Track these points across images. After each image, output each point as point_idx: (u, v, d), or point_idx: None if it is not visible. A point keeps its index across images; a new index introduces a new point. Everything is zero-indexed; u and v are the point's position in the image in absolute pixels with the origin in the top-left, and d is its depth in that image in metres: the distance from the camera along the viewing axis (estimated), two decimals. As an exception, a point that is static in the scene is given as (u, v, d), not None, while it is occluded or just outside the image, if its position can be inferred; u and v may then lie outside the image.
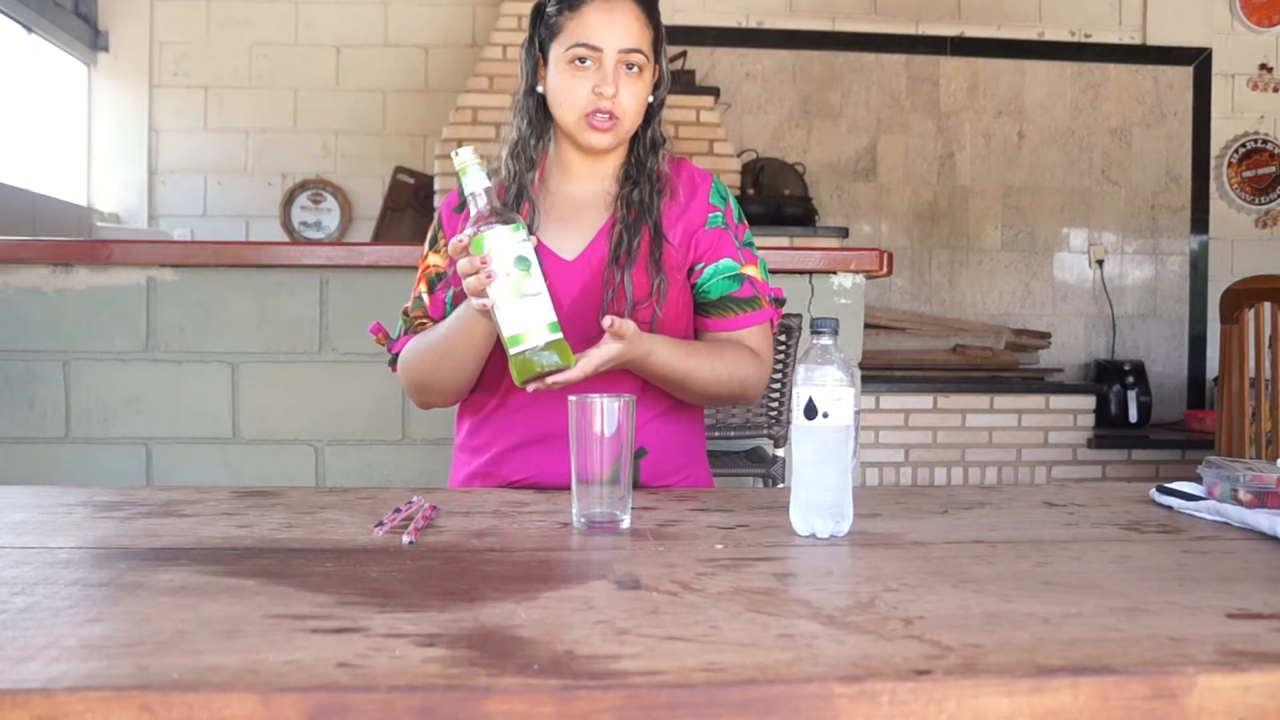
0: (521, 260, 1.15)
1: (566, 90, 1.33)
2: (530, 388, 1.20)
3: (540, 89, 1.38)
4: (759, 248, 1.47)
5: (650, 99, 1.39)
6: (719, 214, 1.42)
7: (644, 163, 1.40)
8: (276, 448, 2.34)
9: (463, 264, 1.18)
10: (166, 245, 2.68)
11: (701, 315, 1.42)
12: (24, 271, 2.30)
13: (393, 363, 1.46)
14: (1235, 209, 5.30)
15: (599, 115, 1.31)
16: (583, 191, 1.41)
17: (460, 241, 1.18)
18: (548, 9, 1.35)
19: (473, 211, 1.18)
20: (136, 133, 5.01)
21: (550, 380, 1.19)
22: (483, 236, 1.16)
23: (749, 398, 1.42)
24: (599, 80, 1.30)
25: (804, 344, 2.12)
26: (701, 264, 1.40)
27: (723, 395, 1.39)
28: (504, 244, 1.15)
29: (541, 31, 1.36)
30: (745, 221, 1.47)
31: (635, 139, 1.41)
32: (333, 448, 2.36)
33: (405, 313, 1.44)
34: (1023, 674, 0.62)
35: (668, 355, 1.29)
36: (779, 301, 1.46)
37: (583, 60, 1.31)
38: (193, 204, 5.06)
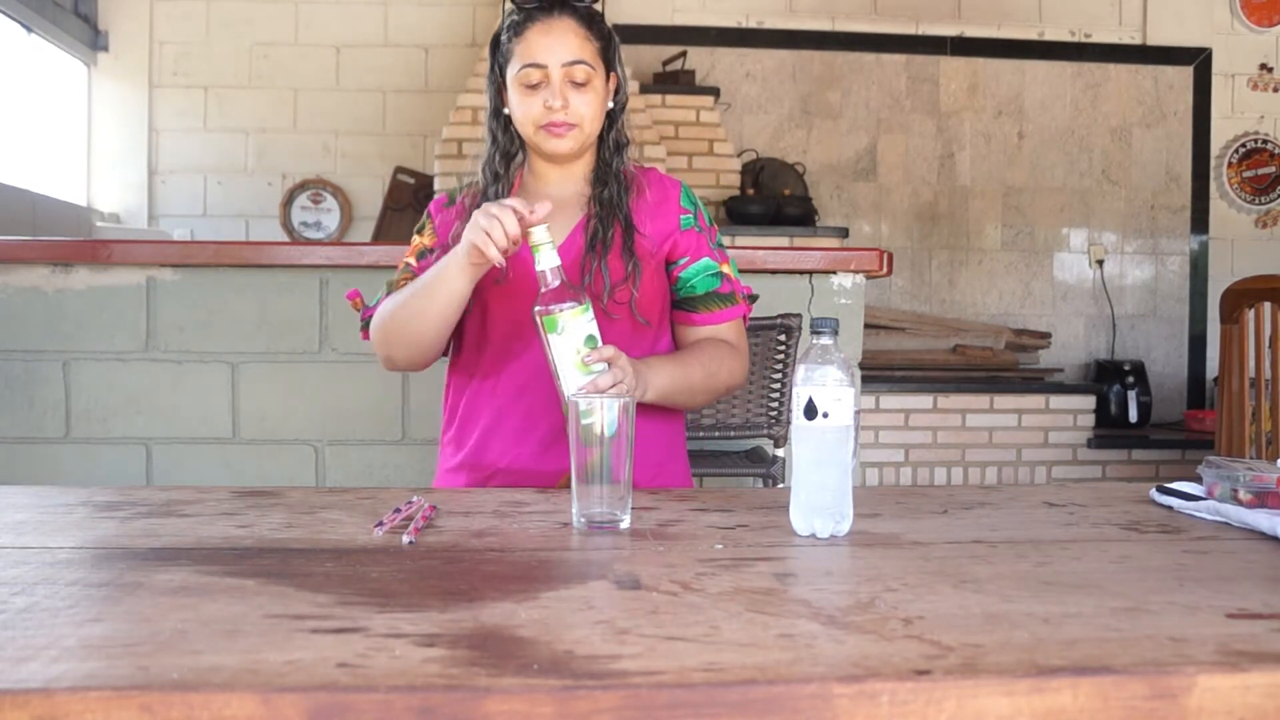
0: (590, 339, 1.24)
1: (522, 108, 1.42)
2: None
3: (506, 110, 1.47)
4: (746, 248, 1.55)
5: (610, 104, 1.47)
6: (690, 216, 1.50)
7: (610, 164, 1.49)
8: (276, 448, 2.34)
9: (494, 230, 1.23)
10: (166, 245, 2.67)
11: (688, 311, 1.50)
12: (24, 271, 2.30)
13: (365, 328, 1.52)
14: (1235, 209, 5.30)
15: (553, 125, 1.41)
16: (557, 193, 1.48)
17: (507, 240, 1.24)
18: (501, 38, 1.45)
19: (543, 288, 1.24)
20: (136, 133, 5.01)
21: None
22: (556, 316, 1.23)
23: (735, 389, 1.53)
24: (548, 95, 1.40)
25: (804, 344, 2.12)
26: (686, 259, 1.49)
27: (717, 393, 1.49)
28: (576, 322, 1.23)
29: (499, 59, 1.46)
30: (714, 225, 1.56)
31: (601, 142, 1.49)
32: (333, 448, 2.36)
33: (387, 284, 1.50)
34: (1023, 674, 0.62)
35: (666, 384, 1.38)
36: (751, 298, 1.56)
37: (532, 79, 1.40)
38: (193, 204, 5.06)
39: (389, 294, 1.48)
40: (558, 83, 1.39)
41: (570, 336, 1.23)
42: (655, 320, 1.48)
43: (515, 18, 1.43)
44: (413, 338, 1.41)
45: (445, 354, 1.51)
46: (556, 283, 1.24)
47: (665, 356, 1.42)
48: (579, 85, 1.40)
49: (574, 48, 1.40)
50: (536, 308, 1.24)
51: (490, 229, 1.24)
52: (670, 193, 1.51)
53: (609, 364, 1.24)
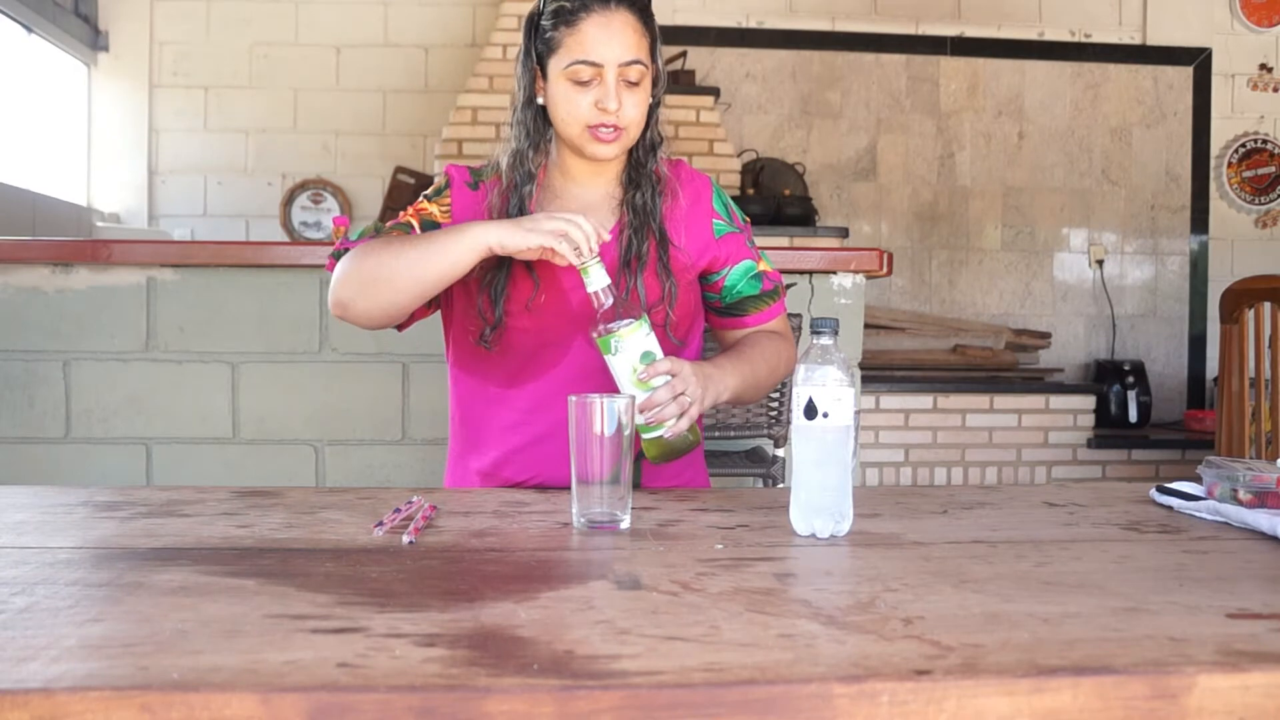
0: (646, 355, 1.21)
1: (569, 105, 1.32)
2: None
3: (540, 100, 1.37)
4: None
5: (650, 99, 1.38)
6: (723, 221, 1.45)
7: (644, 164, 1.41)
8: (276, 448, 2.34)
9: (565, 239, 1.20)
10: (166, 245, 2.68)
11: (738, 316, 1.47)
12: (24, 271, 2.30)
13: (335, 258, 1.37)
14: (1235, 209, 5.30)
15: (603, 129, 1.32)
16: (588, 194, 1.42)
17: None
18: (543, 22, 1.34)
19: (597, 309, 1.22)
20: (136, 133, 5.01)
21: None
22: (609, 338, 1.20)
23: (786, 376, 1.51)
24: (601, 95, 1.30)
25: (804, 344, 2.12)
26: (727, 268, 1.44)
27: (774, 385, 1.47)
28: (631, 340, 1.21)
29: (538, 45, 1.35)
30: (747, 220, 1.50)
31: (639, 140, 1.41)
32: (333, 448, 2.36)
33: (376, 225, 1.40)
34: (1023, 674, 0.62)
35: (738, 383, 1.34)
36: (787, 286, 1.54)
37: (583, 76, 1.30)
38: (193, 204, 5.06)
39: (376, 233, 1.37)
40: (612, 84, 1.30)
41: (626, 355, 1.20)
42: (686, 337, 1.43)
43: (565, 4, 1.31)
44: (388, 291, 1.28)
45: (399, 329, 1.41)
46: (609, 301, 1.21)
47: (731, 355, 1.39)
48: (632, 85, 1.31)
49: (631, 46, 1.30)
50: (593, 331, 1.21)
51: (571, 232, 1.20)
52: (702, 194, 1.45)
53: (672, 375, 1.21)
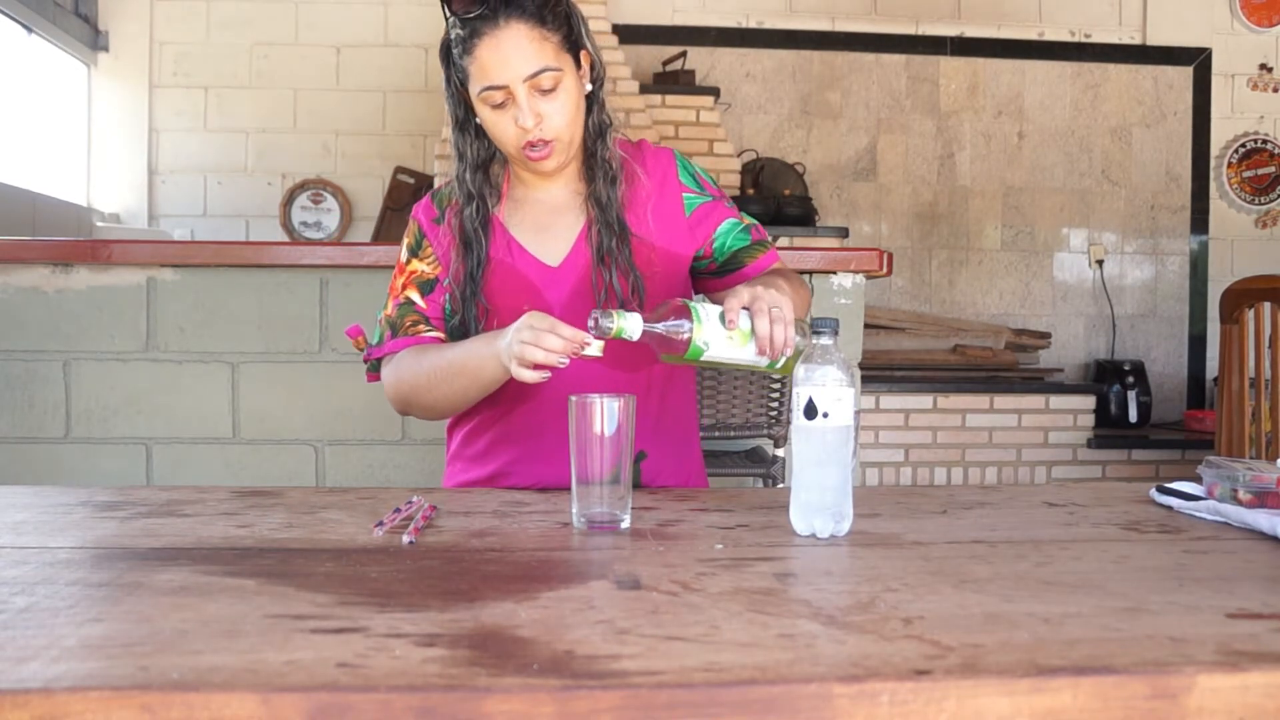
0: (721, 319, 1.17)
1: (495, 131, 1.32)
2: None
3: (477, 120, 1.36)
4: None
5: (588, 85, 1.36)
6: (694, 194, 1.43)
7: (595, 153, 1.39)
8: (276, 448, 2.34)
9: (552, 342, 1.15)
10: (166, 245, 2.68)
11: (737, 270, 1.44)
12: (24, 271, 2.30)
13: (373, 370, 1.44)
14: (1235, 209, 5.30)
15: (531, 147, 1.31)
16: (552, 197, 1.41)
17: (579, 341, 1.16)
18: (453, 51, 1.32)
19: (654, 345, 1.17)
20: (136, 133, 5.01)
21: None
22: (690, 350, 1.16)
23: (806, 312, 1.44)
24: (517, 114, 1.28)
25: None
26: (713, 234, 1.43)
27: (804, 315, 1.40)
28: (704, 329, 1.16)
29: (456, 74, 1.34)
30: (719, 185, 1.48)
31: (584, 130, 1.38)
32: (333, 448, 2.36)
33: (387, 320, 1.41)
34: (1023, 674, 0.62)
35: (792, 294, 1.29)
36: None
37: (495, 100, 1.28)
38: (193, 204, 5.06)
39: (394, 335, 1.39)
40: (524, 100, 1.27)
41: (715, 345, 1.17)
42: None
43: (460, 31, 1.28)
44: (440, 409, 1.36)
45: None
46: (660, 329, 1.16)
47: (771, 279, 1.32)
48: (547, 92, 1.28)
49: (530, 56, 1.26)
50: (668, 359, 1.18)
51: (547, 341, 1.16)
52: (668, 172, 1.42)
53: (746, 308, 1.17)
